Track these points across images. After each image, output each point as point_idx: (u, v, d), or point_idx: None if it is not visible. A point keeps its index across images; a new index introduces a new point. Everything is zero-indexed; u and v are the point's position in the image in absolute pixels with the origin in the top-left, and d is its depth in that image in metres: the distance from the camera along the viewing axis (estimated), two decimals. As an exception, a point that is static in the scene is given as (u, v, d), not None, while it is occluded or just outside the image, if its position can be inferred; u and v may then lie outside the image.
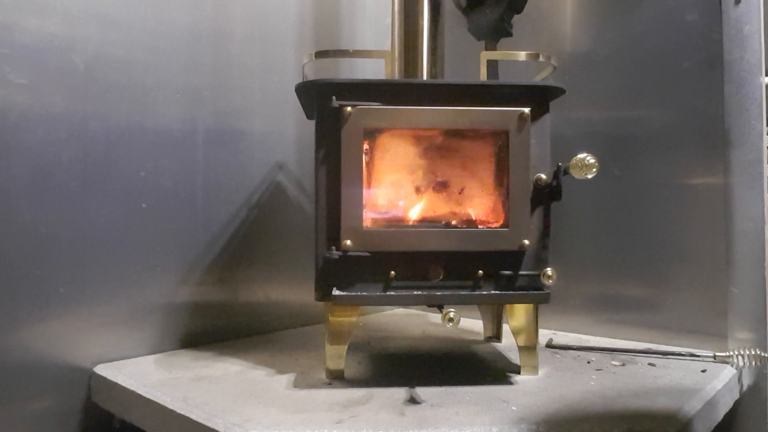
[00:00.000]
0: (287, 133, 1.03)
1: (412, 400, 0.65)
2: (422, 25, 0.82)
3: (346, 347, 0.73)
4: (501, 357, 0.84)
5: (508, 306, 0.75)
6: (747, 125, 0.83)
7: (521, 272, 0.72)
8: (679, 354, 0.84)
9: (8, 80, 0.70)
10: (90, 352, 0.78)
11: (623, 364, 0.80)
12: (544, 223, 0.73)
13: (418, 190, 0.82)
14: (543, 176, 0.72)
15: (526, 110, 0.72)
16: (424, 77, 0.81)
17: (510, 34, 0.87)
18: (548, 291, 0.72)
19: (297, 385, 0.71)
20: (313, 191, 0.74)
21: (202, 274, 0.91)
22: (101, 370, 0.77)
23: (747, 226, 0.83)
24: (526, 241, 0.72)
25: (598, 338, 0.95)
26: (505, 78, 0.83)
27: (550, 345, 0.90)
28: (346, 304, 0.71)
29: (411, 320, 1.14)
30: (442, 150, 0.94)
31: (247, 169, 0.97)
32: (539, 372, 0.75)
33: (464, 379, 0.72)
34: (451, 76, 0.87)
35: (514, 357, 0.79)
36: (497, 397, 0.66)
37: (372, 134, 0.84)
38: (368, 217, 0.83)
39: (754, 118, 0.83)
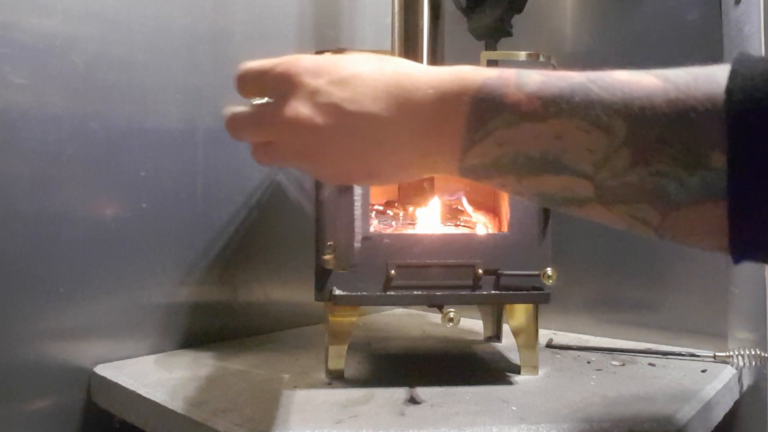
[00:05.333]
0: (287, 133, 1.03)
1: (412, 400, 0.65)
2: (422, 25, 0.82)
3: (346, 347, 0.73)
4: (501, 357, 0.84)
5: (508, 306, 0.75)
6: (747, 125, 0.83)
7: (521, 272, 0.72)
8: (679, 354, 0.84)
9: (8, 80, 0.70)
10: (90, 352, 0.78)
11: (623, 364, 0.80)
12: (544, 223, 0.73)
13: (418, 189, 0.82)
14: None
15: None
16: (424, 77, 0.81)
17: (510, 34, 0.87)
18: (548, 291, 0.72)
19: (297, 385, 0.71)
20: (313, 191, 0.74)
21: (202, 274, 0.91)
22: (101, 370, 0.77)
23: (747, 226, 0.83)
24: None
25: (598, 338, 0.95)
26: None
27: (550, 345, 0.90)
28: (346, 304, 0.71)
29: (411, 320, 1.14)
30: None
31: (247, 169, 0.97)
32: (539, 372, 0.75)
33: (464, 379, 0.72)
34: (451, 76, 0.87)
35: (514, 357, 0.79)
36: (497, 397, 0.66)
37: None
38: (369, 217, 0.82)
39: (754, 118, 0.83)
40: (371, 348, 0.90)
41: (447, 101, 0.37)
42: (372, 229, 0.79)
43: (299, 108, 0.39)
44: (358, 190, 0.55)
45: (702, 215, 0.31)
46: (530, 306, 0.74)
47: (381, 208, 0.85)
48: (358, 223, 0.55)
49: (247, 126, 0.43)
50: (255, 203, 0.98)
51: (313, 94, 0.39)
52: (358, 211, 0.55)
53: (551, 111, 0.33)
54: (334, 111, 0.38)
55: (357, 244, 0.53)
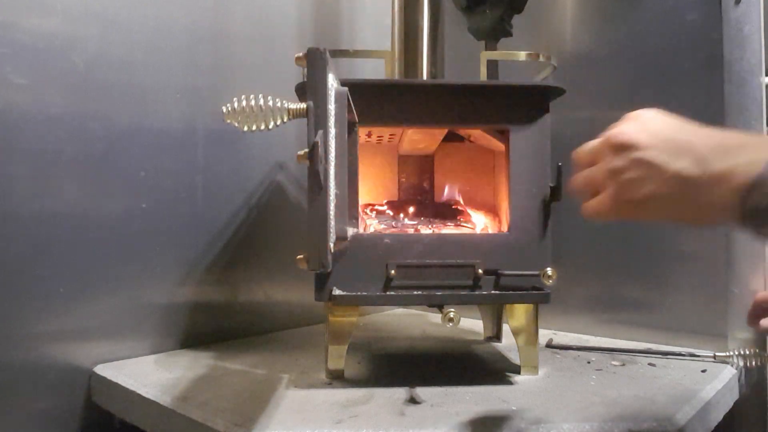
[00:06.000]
0: (287, 133, 1.03)
1: (412, 400, 0.65)
2: (422, 25, 0.82)
3: (346, 347, 0.73)
4: (501, 357, 0.84)
5: (508, 306, 0.75)
6: (747, 125, 0.83)
7: (521, 272, 0.72)
8: (679, 354, 0.84)
9: (8, 80, 0.70)
10: (90, 352, 0.78)
11: (623, 364, 0.80)
12: (544, 223, 0.73)
13: (418, 189, 0.82)
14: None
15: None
16: (424, 77, 0.81)
17: (510, 34, 0.87)
18: (548, 291, 0.72)
19: (297, 385, 0.71)
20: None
21: (202, 274, 0.91)
22: (101, 370, 0.77)
23: (747, 226, 0.83)
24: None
25: (598, 338, 0.95)
26: (505, 78, 0.83)
27: (550, 345, 0.90)
28: (346, 304, 0.71)
29: (411, 320, 1.14)
30: (442, 150, 0.94)
31: (247, 169, 0.97)
32: (539, 372, 0.75)
33: (464, 379, 0.72)
34: (451, 76, 0.87)
35: (514, 357, 0.79)
36: (497, 397, 0.66)
37: (370, 134, 0.84)
38: (369, 218, 0.83)
39: (754, 118, 0.83)
40: (371, 348, 0.90)
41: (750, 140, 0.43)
42: (372, 230, 0.79)
43: (645, 152, 0.48)
44: (334, 190, 0.54)
45: None
46: (530, 306, 0.74)
47: (382, 208, 0.85)
48: (332, 224, 0.54)
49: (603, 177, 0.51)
50: (255, 203, 0.98)
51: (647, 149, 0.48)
52: (332, 212, 0.54)
53: None
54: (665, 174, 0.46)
55: (330, 245, 0.52)
